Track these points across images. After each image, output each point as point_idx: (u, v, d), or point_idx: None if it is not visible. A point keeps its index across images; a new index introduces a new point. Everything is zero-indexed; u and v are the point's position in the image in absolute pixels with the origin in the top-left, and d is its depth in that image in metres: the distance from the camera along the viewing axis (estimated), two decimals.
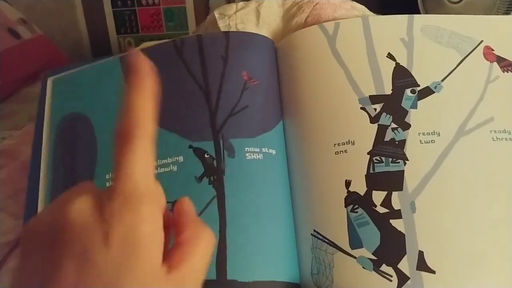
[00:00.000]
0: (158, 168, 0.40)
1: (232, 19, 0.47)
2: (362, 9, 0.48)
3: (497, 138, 0.39)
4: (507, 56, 0.43)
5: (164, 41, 0.46)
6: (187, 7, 1.71)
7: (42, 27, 1.35)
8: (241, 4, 0.48)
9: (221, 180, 0.39)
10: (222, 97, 0.42)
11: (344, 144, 0.40)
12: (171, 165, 0.39)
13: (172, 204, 0.38)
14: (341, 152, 0.40)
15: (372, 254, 0.37)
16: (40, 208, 0.43)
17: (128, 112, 0.24)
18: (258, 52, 0.45)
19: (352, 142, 0.40)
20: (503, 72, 0.42)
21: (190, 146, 0.40)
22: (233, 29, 0.47)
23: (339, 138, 0.40)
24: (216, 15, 0.48)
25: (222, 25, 0.47)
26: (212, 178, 0.39)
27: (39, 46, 1.16)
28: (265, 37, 0.47)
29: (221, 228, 0.37)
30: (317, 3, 0.47)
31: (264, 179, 0.40)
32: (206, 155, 0.40)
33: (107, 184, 0.41)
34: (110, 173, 0.41)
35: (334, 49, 0.44)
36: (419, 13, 1.33)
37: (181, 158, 0.40)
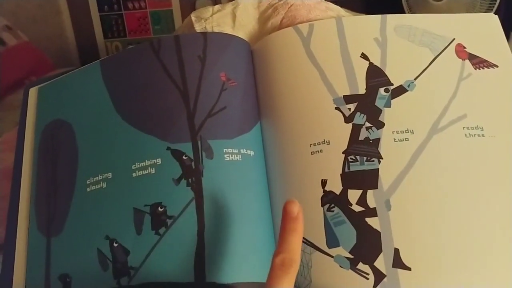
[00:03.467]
0: (136, 171, 0.40)
1: (209, 22, 0.47)
2: (337, 9, 0.49)
3: (469, 135, 0.40)
4: (479, 54, 0.44)
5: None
6: (173, 10, 1.72)
7: (28, 34, 1.35)
8: (217, 7, 0.49)
9: (199, 181, 0.39)
10: (200, 98, 0.42)
11: (320, 144, 0.41)
12: (149, 168, 0.40)
13: (150, 208, 0.39)
14: (317, 152, 0.40)
15: (349, 252, 0.37)
16: (21, 216, 0.43)
17: (289, 248, 0.31)
18: (236, 53, 0.46)
19: (328, 142, 0.41)
20: (475, 69, 0.43)
21: (168, 148, 0.40)
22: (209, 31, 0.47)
23: (314, 138, 0.41)
24: (193, 18, 0.48)
25: (199, 28, 0.47)
26: (190, 180, 0.39)
27: (24, 53, 1.16)
28: (242, 39, 0.47)
29: (199, 230, 0.37)
30: (291, 5, 0.47)
31: (243, 180, 0.40)
32: (184, 157, 0.40)
33: (88, 190, 0.41)
34: (91, 178, 0.42)
35: (309, 50, 0.44)
36: (403, 12, 1.35)
37: (159, 161, 0.40)
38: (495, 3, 1.21)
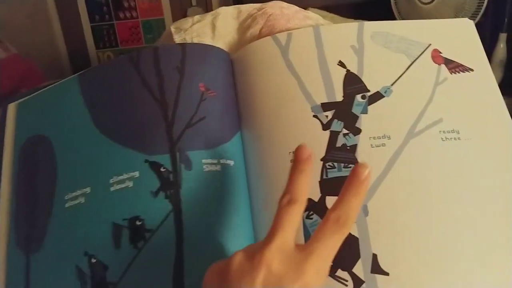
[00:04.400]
0: (114, 185, 0.40)
1: (188, 33, 0.48)
2: (315, 18, 0.49)
3: (446, 138, 0.40)
4: (455, 58, 0.44)
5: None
6: (165, 19, 1.72)
7: (18, 45, 1.35)
8: (197, 17, 0.49)
9: (178, 194, 0.39)
10: (178, 109, 0.42)
11: None
12: (126, 181, 0.40)
13: (128, 221, 0.39)
14: None
15: None
16: (0, 232, 0.43)
17: (348, 207, 0.30)
18: (215, 63, 0.46)
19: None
20: (451, 73, 0.43)
21: (146, 161, 0.40)
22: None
23: (293, 146, 0.41)
24: (172, 30, 0.49)
25: (178, 39, 0.48)
26: (168, 192, 0.39)
27: (14, 66, 1.16)
28: (221, 49, 0.47)
29: (178, 243, 0.37)
30: (270, 14, 0.48)
31: (222, 190, 0.40)
32: (162, 169, 0.40)
33: (66, 206, 0.41)
34: (69, 194, 0.41)
35: (287, 59, 0.44)
36: (393, 16, 1.35)
37: (136, 174, 0.40)
38: (482, 5, 1.22)
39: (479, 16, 1.25)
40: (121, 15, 1.68)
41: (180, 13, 1.69)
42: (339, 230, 0.29)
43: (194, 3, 1.62)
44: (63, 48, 1.68)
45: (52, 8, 1.60)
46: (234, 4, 1.56)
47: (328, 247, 0.29)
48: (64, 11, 1.62)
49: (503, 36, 1.36)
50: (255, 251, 0.29)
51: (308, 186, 0.32)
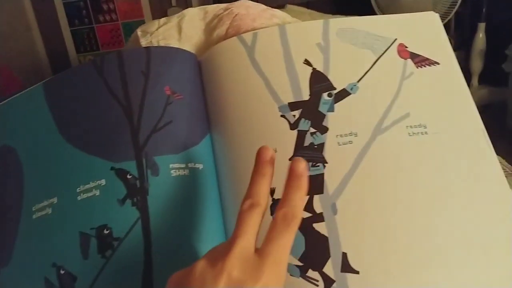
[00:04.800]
0: (81, 194, 0.39)
1: (154, 36, 0.47)
2: (282, 16, 0.49)
3: (413, 133, 0.40)
4: (421, 52, 0.44)
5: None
6: (145, 20, 1.71)
7: None
8: (163, 20, 0.49)
9: (145, 200, 0.38)
10: (144, 113, 0.42)
11: None
12: (93, 190, 0.39)
13: (96, 231, 0.38)
14: None
15: (299, 260, 0.37)
16: None
17: (292, 203, 0.31)
18: (181, 66, 0.45)
19: (274, 149, 0.40)
20: (417, 68, 0.43)
21: (112, 168, 0.40)
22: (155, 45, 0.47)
23: None
24: (139, 33, 0.48)
25: (144, 43, 0.47)
26: (135, 199, 0.39)
27: None
28: (187, 51, 0.47)
29: (147, 250, 0.37)
30: (236, 14, 0.47)
31: (191, 195, 0.40)
32: (128, 176, 0.39)
33: (34, 217, 0.41)
34: (37, 205, 0.41)
35: (253, 59, 0.44)
36: (373, 10, 1.35)
37: (103, 182, 0.39)
38: None
39: (457, 6, 1.26)
40: (101, 18, 1.67)
41: (161, 14, 1.68)
42: (288, 227, 0.30)
43: (174, 3, 1.61)
44: (43, 54, 1.66)
45: (31, 14, 1.58)
46: (214, 2, 1.55)
47: (282, 246, 0.29)
48: (43, 16, 1.60)
49: (481, 26, 1.37)
50: (217, 258, 0.29)
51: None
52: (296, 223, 0.30)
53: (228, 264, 0.28)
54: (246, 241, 0.29)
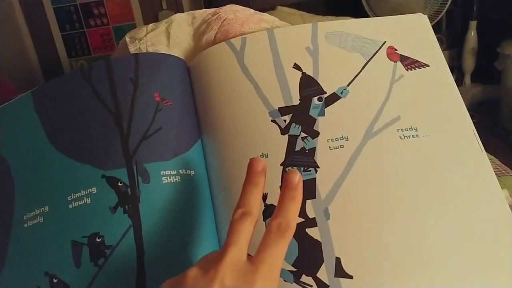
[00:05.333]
0: (72, 202, 0.39)
1: (143, 42, 0.47)
2: (271, 20, 0.49)
3: (404, 137, 0.40)
4: (411, 54, 0.44)
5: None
6: (137, 24, 1.71)
7: None
8: (151, 26, 0.48)
9: (136, 208, 0.38)
10: (134, 120, 0.42)
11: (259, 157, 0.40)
12: (84, 198, 0.39)
13: (88, 239, 0.38)
14: None
15: (292, 265, 0.37)
16: None
17: (286, 213, 0.31)
18: (170, 72, 0.45)
19: (266, 155, 0.40)
20: (407, 70, 0.43)
21: (103, 176, 0.40)
22: (143, 52, 0.47)
23: (253, 152, 0.41)
24: (127, 39, 0.48)
25: (133, 49, 0.47)
26: (126, 207, 0.38)
27: None
28: (176, 57, 0.47)
29: (139, 258, 0.37)
30: (224, 19, 0.47)
31: (183, 202, 0.40)
32: (119, 184, 0.39)
33: (25, 226, 0.40)
34: (28, 214, 0.41)
35: (243, 64, 0.44)
36: (364, 10, 1.36)
37: (94, 190, 0.39)
38: None
39: (448, 5, 1.27)
40: (92, 22, 1.67)
41: (152, 17, 1.68)
42: (281, 237, 0.30)
43: (165, 7, 1.61)
44: (35, 59, 1.65)
45: (21, 20, 1.58)
46: (205, 6, 1.55)
47: (275, 255, 0.30)
48: (33, 22, 1.60)
49: (473, 24, 1.38)
50: (210, 265, 0.29)
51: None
52: (290, 233, 0.31)
53: (221, 271, 0.28)
54: (238, 250, 0.30)
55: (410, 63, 0.44)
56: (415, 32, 0.46)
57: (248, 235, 0.31)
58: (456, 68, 1.40)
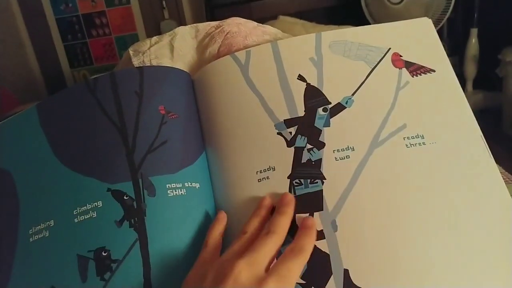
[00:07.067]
0: (78, 216, 0.39)
1: (146, 55, 0.47)
2: (273, 33, 0.49)
3: (410, 145, 0.40)
4: (416, 60, 0.44)
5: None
6: (139, 34, 1.71)
7: None
8: (154, 39, 0.48)
9: (142, 221, 0.38)
10: (139, 134, 0.41)
11: (266, 171, 0.40)
12: (90, 212, 0.39)
13: (94, 253, 0.38)
14: (264, 179, 0.40)
15: (301, 278, 0.36)
16: None
17: (300, 242, 0.35)
18: (174, 85, 0.45)
19: (273, 168, 0.40)
20: (413, 76, 0.43)
21: (109, 189, 0.39)
22: (147, 65, 0.47)
23: (260, 165, 0.41)
24: (131, 53, 0.48)
25: (137, 62, 0.47)
26: (132, 220, 0.38)
27: None
28: (181, 70, 0.47)
29: (145, 272, 0.36)
30: (228, 32, 0.47)
31: (189, 215, 0.40)
32: (125, 197, 0.39)
33: (31, 240, 0.40)
34: (33, 228, 0.40)
35: (247, 77, 0.44)
36: (365, 17, 1.36)
37: (100, 203, 0.39)
38: (451, 3, 1.24)
39: (449, 12, 1.27)
40: (94, 32, 1.67)
41: (154, 27, 1.68)
42: (295, 257, 0.34)
43: (167, 16, 1.62)
44: (37, 70, 1.66)
45: (23, 30, 1.59)
46: (207, 16, 1.55)
47: (288, 267, 0.33)
48: (36, 32, 1.61)
49: (474, 31, 1.38)
50: (231, 257, 0.33)
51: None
52: (304, 256, 0.34)
53: (238, 265, 0.31)
54: (258, 257, 0.33)
55: (416, 69, 0.43)
56: (420, 37, 0.45)
57: (269, 251, 0.34)
58: (457, 75, 1.39)
